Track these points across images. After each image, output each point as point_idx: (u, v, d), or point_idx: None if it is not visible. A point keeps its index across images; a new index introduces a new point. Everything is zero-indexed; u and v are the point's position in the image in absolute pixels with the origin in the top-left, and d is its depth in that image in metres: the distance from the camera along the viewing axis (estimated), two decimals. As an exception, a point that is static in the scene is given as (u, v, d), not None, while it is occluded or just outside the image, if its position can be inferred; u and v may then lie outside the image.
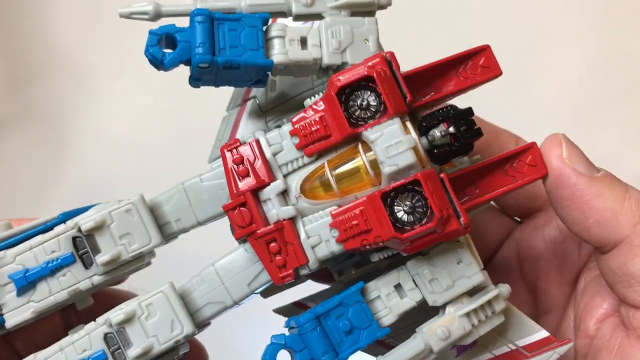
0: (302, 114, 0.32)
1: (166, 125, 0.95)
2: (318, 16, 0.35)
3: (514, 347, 0.36)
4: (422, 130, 0.33)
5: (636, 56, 0.88)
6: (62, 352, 0.33)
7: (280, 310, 0.40)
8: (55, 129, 1.02)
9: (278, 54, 0.34)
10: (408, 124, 0.32)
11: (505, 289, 0.34)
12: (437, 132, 0.32)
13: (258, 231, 0.32)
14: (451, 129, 0.32)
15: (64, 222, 0.35)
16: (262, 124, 0.39)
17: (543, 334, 0.36)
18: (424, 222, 0.31)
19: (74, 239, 0.34)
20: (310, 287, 0.41)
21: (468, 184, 0.35)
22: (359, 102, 0.32)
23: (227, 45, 0.33)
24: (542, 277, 0.42)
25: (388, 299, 0.33)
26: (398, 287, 0.33)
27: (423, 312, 0.34)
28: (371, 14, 0.36)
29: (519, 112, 0.90)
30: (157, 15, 0.34)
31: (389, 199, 0.31)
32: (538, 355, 0.35)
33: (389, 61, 0.32)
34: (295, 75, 0.35)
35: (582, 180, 0.33)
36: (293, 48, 0.34)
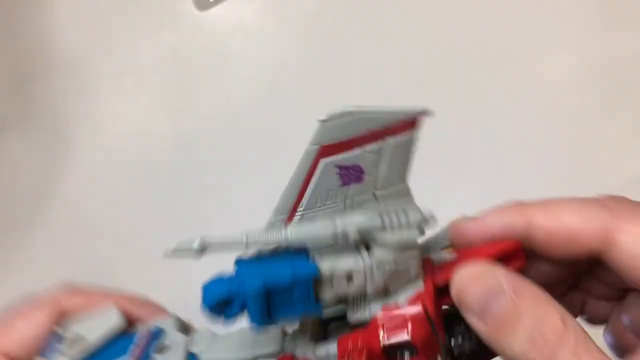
0: (346, 347, 0.37)
1: (166, 125, 0.95)
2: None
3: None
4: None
5: (635, 58, 0.84)
6: None
7: None
8: (56, 128, 1.01)
9: (326, 294, 0.36)
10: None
11: None
12: (462, 344, 0.38)
13: None
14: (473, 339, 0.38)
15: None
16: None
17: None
18: None
19: None
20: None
21: None
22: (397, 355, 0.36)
23: (281, 306, 0.35)
24: None
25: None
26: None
27: None
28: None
29: (517, 115, 0.90)
30: (203, 251, 0.35)
31: None
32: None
33: (429, 317, 0.36)
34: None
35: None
36: (339, 284, 0.36)
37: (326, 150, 0.37)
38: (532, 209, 0.38)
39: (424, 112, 0.36)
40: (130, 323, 0.44)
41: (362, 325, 0.37)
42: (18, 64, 1.07)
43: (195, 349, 0.41)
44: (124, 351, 0.41)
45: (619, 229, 0.35)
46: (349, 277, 0.36)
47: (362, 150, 0.37)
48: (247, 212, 0.71)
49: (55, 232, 0.98)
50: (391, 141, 0.36)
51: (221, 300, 0.34)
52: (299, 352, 0.38)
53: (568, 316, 0.32)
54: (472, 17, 0.95)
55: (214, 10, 1.05)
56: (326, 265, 0.35)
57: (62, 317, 0.43)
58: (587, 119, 0.89)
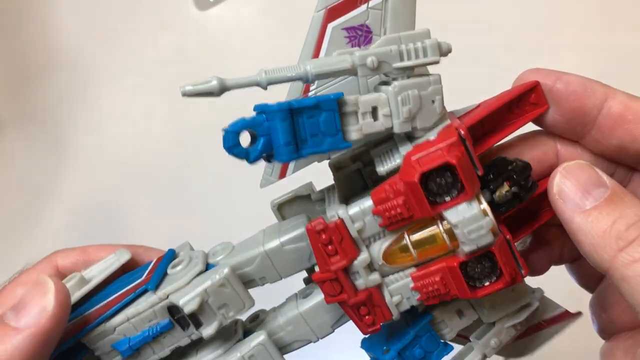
0: (382, 193, 0.34)
1: (166, 125, 0.95)
2: (384, 75, 0.35)
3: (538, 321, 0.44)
4: (487, 187, 0.36)
5: (635, 58, 0.87)
6: None
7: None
8: (56, 129, 1.02)
9: (353, 131, 0.34)
10: (483, 201, 0.34)
11: (539, 294, 0.41)
12: (503, 193, 0.36)
13: (349, 301, 0.36)
14: (514, 189, 0.36)
15: (152, 291, 0.37)
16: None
17: (561, 310, 0.44)
18: (494, 281, 0.35)
19: (169, 307, 0.36)
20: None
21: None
22: (437, 181, 0.34)
23: (308, 136, 0.33)
24: None
25: (450, 321, 0.39)
26: (459, 312, 0.39)
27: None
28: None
29: None
30: (222, 90, 0.33)
31: (465, 266, 0.35)
32: (555, 325, 0.44)
33: (464, 139, 0.34)
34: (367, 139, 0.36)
35: (568, 215, 0.34)
36: (366, 121, 0.34)
37: (332, 13, 0.38)
38: (615, 89, 0.38)
39: None
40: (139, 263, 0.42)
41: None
42: (18, 64, 1.07)
43: (213, 260, 0.38)
44: (139, 275, 0.38)
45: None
46: (374, 110, 0.34)
47: (366, 6, 0.37)
48: (247, 211, 0.68)
49: (55, 231, 0.95)
50: (395, -9, 0.37)
51: (241, 127, 0.32)
52: (330, 213, 0.35)
53: None
54: (472, 18, 0.97)
55: (214, 10, 1.06)
56: (351, 97, 0.34)
57: (59, 275, 0.42)
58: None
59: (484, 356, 0.39)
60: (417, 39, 0.35)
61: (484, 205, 0.34)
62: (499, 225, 0.36)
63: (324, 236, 0.34)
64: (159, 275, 0.37)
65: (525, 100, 0.38)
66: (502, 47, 0.94)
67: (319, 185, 0.41)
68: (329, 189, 0.40)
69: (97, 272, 0.40)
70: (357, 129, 0.34)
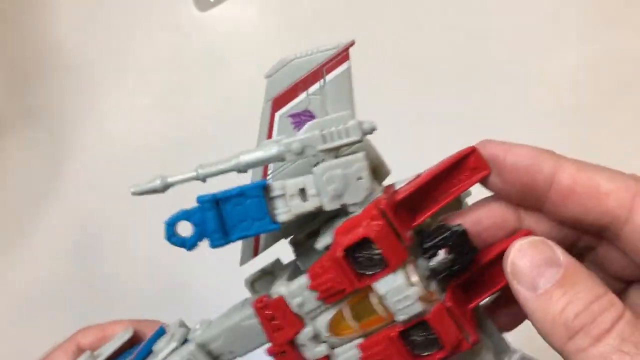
0: (315, 269, 0.36)
1: (166, 125, 0.95)
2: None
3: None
4: (425, 255, 0.36)
5: (635, 58, 0.85)
6: None
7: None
8: (56, 129, 1.02)
9: (282, 213, 0.37)
10: (411, 269, 0.35)
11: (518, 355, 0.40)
12: (439, 260, 0.36)
13: None
14: (450, 256, 0.36)
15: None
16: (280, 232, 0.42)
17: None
18: (436, 350, 0.36)
19: None
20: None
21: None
22: (364, 253, 0.35)
23: (236, 221, 0.36)
24: None
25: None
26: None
27: None
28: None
29: (517, 114, 0.90)
30: (165, 188, 0.37)
31: (405, 333, 0.36)
32: None
33: (384, 213, 0.35)
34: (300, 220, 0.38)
35: (522, 297, 0.34)
36: (294, 203, 0.37)
37: (277, 103, 0.41)
38: (565, 159, 0.37)
39: (350, 43, 0.40)
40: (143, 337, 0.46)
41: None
42: (18, 64, 1.08)
43: (191, 336, 0.42)
44: (130, 353, 0.43)
45: None
46: (302, 191, 0.37)
47: (307, 94, 0.40)
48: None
49: (55, 231, 0.95)
50: (329, 77, 0.40)
51: (177, 220, 0.36)
52: (273, 290, 0.37)
53: (616, 299, 0.33)
54: (473, 18, 0.95)
55: (214, 10, 1.05)
56: (277, 182, 0.37)
57: (80, 352, 0.47)
58: (586, 119, 0.87)
59: None
60: (339, 122, 0.37)
61: (412, 276, 0.35)
62: (447, 291, 0.36)
63: (267, 312, 0.37)
64: (143, 354, 0.42)
65: (465, 166, 0.38)
66: (501, 47, 0.92)
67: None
68: (290, 264, 0.42)
69: (104, 351, 0.46)
70: (286, 211, 0.37)
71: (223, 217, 0.36)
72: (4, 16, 1.09)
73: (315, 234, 0.42)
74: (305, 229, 0.42)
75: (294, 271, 0.40)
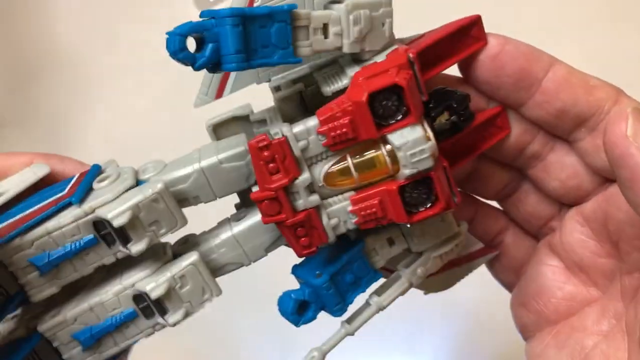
0: (329, 113, 0.34)
1: (167, 125, 0.94)
2: (336, -7, 0.34)
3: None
4: (428, 115, 0.36)
5: (635, 56, 0.88)
6: (92, 310, 0.36)
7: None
8: (56, 128, 1.02)
9: (304, 47, 0.33)
10: (427, 127, 0.35)
11: (464, 227, 0.42)
12: (442, 121, 0.36)
13: (287, 221, 0.35)
14: (453, 118, 0.37)
15: (76, 204, 0.34)
16: (253, 73, 0.38)
17: (479, 245, 0.45)
18: (429, 206, 0.36)
19: (94, 222, 0.34)
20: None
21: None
22: (384, 104, 0.34)
23: (258, 46, 0.32)
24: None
25: (381, 249, 0.40)
26: (390, 240, 0.40)
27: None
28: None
29: None
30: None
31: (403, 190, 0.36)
32: (472, 261, 0.46)
33: (412, 63, 0.34)
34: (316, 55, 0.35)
35: None
36: (317, 38, 0.33)
37: None
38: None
39: None
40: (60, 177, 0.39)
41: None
42: (18, 64, 1.07)
43: (144, 177, 0.36)
44: (61, 189, 0.35)
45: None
46: (325, 27, 0.34)
47: None
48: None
49: None
50: None
51: (190, 31, 0.30)
52: (274, 130, 0.34)
53: None
54: (470, 12, 0.98)
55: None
56: (303, 11, 0.33)
57: None
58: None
59: (411, 284, 0.40)
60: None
61: (428, 130, 0.34)
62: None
63: (266, 153, 0.34)
64: (84, 189, 0.35)
65: (467, 34, 0.38)
66: None
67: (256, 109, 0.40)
68: (269, 110, 0.39)
69: (10, 186, 0.37)
70: (308, 45, 0.33)
71: (245, 38, 0.31)
72: (4, 16, 1.08)
73: (299, 81, 0.39)
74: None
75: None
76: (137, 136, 0.99)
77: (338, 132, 0.34)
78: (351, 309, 0.40)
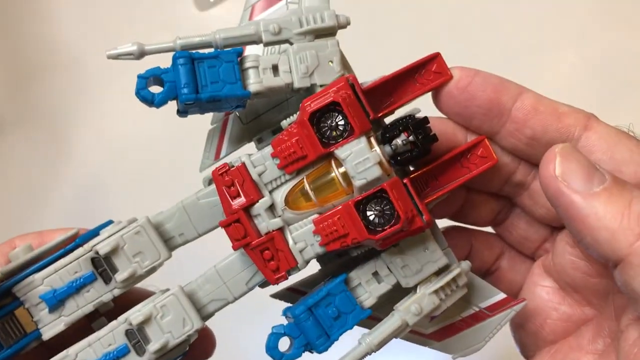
0: (280, 137, 0.37)
1: (167, 125, 0.93)
2: (286, 41, 0.39)
3: (477, 309, 0.42)
4: (386, 140, 0.38)
5: (635, 58, 0.88)
6: (91, 347, 0.39)
7: (276, 295, 0.46)
8: (56, 129, 1.02)
9: (254, 83, 0.38)
10: (372, 139, 0.36)
11: (466, 265, 0.40)
12: (399, 142, 0.37)
13: (252, 243, 0.37)
14: (411, 138, 0.38)
15: (81, 245, 0.40)
16: (244, 136, 0.43)
17: (501, 296, 0.42)
18: (392, 223, 0.36)
19: (92, 259, 0.39)
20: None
21: (430, 179, 0.41)
22: (329, 123, 0.36)
23: (208, 82, 0.37)
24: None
25: (368, 285, 0.39)
26: (375, 274, 0.39)
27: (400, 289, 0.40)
28: (332, 34, 0.40)
29: None
30: (141, 54, 0.38)
31: (361, 206, 0.36)
32: (499, 314, 0.42)
33: (352, 84, 0.37)
34: (270, 97, 0.40)
35: (575, 197, 0.33)
36: (267, 76, 0.38)
37: (256, 9, 0.44)
38: (526, 88, 0.40)
39: None
40: None
41: None
42: (18, 64, 1.06)
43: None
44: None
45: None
46: (275, 67, 0.38)
47: (286, 1, 0.43)
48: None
49: None
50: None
51: (151, 74, 0.37)
52: (235, 160, 0.38)
53: None
54: (473, 16, 0.96)
55: (214, 10, 1.04)
56: (252, 55, 0.38)
57: None
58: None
59: (405, 323, 0.38)
60: (316, 10, 0.39)
61: (373, 142, 0.36)
62: (406, 179, 0.37)
63: (227, 179, 0.37)
64: (90, 234, 0.40)
65: (429, 70, 0.40)
66: (501, 46, 0.94)
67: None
68: None
69: (44, 247, 0.44)
70: (258, 82, 0.38)
71: (196, 76, 0.37)
72: (4, 16, 1.09)
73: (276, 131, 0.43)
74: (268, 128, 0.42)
75: None
76: (136, 136, 0.98)
77: (288, 152, 0.37)
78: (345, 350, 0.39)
